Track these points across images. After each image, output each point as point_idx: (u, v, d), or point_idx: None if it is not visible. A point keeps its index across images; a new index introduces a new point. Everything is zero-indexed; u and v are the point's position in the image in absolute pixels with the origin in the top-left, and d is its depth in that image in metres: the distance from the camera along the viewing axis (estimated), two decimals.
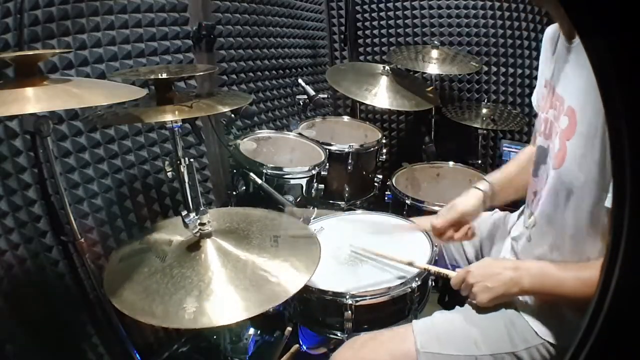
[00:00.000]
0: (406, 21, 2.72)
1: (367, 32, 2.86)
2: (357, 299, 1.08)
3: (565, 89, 0.90)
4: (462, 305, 1.09)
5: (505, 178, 1.25)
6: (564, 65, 0.91)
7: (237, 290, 0.88)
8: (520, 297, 1.00)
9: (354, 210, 1.63)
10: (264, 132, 1.92)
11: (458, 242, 1.29)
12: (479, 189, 1.22)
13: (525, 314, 0.98)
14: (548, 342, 0.93)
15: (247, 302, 0.85)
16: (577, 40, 0.84)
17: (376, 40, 2.85)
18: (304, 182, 1.66)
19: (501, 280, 0.96)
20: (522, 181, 1.18)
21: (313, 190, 1.70)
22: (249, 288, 0.88)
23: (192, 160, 1.32)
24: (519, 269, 0.96)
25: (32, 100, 0.82)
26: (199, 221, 0.98)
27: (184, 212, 0.98)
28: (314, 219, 1.45)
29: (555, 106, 0.95)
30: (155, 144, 1.67)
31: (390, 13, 2.75)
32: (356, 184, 1.93)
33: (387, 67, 2.22)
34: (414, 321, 1.04)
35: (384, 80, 2.18)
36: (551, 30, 1.05)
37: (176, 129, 1.28)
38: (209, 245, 0.99)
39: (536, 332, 0.94)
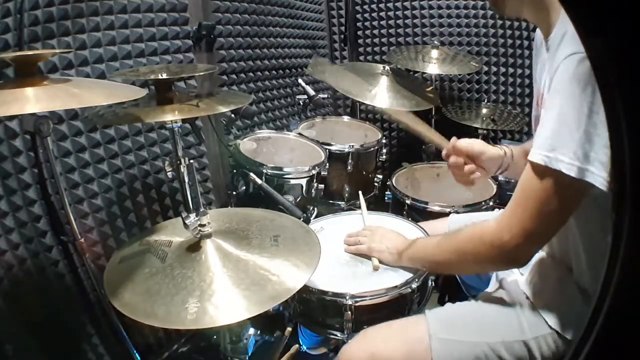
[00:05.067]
0: (406, 21, 2.72)
1: (367, 32, 2.86)
2: (357, 299, 1.08)
3: (543, 85, 0.90)
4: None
5: (524, 151, 1.22)
6: (544, 63, 0.92)
7: (238, 289, 0.88)
8: (531, 287, 1.01)
9: (354, 210, 1.63)
10: (264, 132, 1.92)
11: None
12: (502, 148, 1.22)
13: (536, 304, 0.99)
14: (557, 332, 0.93)
15: (249, 302, 0.85)
16: (551, 37, 0.85)
17: (376, 40, 2.85)
18: (304, 182, 1.66)
19: (385, 244, 1.18)
20: None
21: (313, 190, 1.70)
22: (250, 287, 0.88)
23: (192, 160, 1.32)
24: (401, 252, 1.15)
25: (32, 100, 0.82)
26: (199, 222, 0.98)
27: (184, 214, 0.98)
28: (314, 219, 1.45)
29: (540, 104, 0.95)
30: (155, 144, 1.67)
31: (390, 13, 2.75)
32: (356, 184, 1.93)
33: (387, 67, 2.21)
34: (426, 310, 1.05)
35: (384, 80, 2.18)
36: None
37: (176, 129, 1.28)
38: (209, 246, 0.99)
39: (546, 322, 0.95)
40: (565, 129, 0.73)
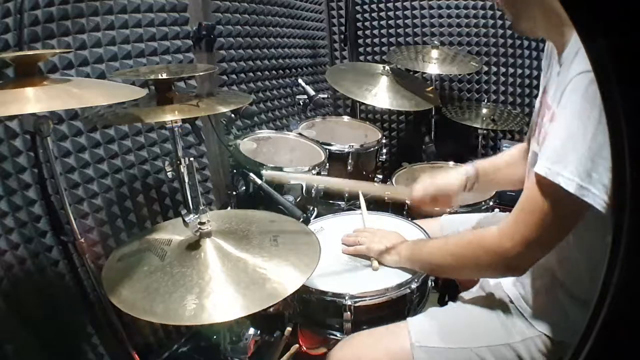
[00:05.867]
0: (406, 21, 2.73)
1: (367, 32, 2.86)
2: (357, 299, 1.08)
3: (553, 98, 0.90)
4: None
5: (491, 167, 1.27)
6: (555, 76, 0.91)
7: (237, 288, 0.88)
8: (517, 291, 1.01)
9: (354, 210, 1.63)
10: (264, 132, 1.92)
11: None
12: (463, 172, 1.26)
13: (521, 307, 0.98)
14: (545, 334, 0.93)
15: (247, 300, 0.85)
16: (564, 53, 0.85)
17: (376, 40, 2.86)
18: (304, 182, 1.66)
19: (384, 244, 1.18)
20: (507, 175, 1.22)
21: (313, 190, 1.70)
22: (249, 286, 0.88)
23: (192, 159, 1.32)
24: (400, 253, 1.15)
25: (32, 100, 0.82)
26: (198, 220, 0.98)
27: (184, 211, 0.98)
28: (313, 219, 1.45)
29: (546, 114, 0.95)
30: (155, 144, 1.67)
31: (390, 13, 2.75)
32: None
33: (387, 67, 2.22)
34: (408, 317, 1.05)
35: (384, 80, 2.18)
36: None
37: (176, 129, 1.28)
38: (208, 245, 0.99)
39: (532, 325, 0.95)
40: (569, 144, 0.74)
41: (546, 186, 0.78)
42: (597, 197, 0.72)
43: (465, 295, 1.12)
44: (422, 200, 1.27)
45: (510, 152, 1.28)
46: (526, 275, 1.01)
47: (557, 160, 0.75)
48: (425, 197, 1.26)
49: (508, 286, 1.03)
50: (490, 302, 1.03)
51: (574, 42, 0.81)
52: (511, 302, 1.00)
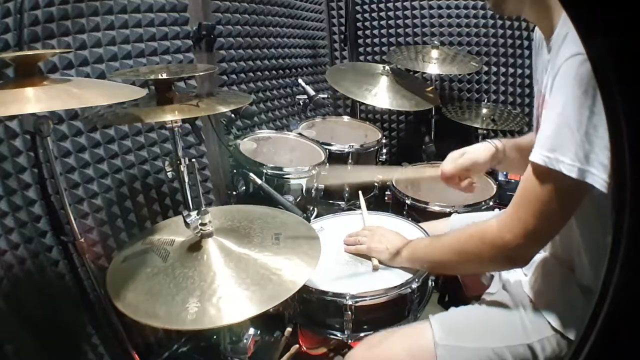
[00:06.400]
0: (406, 21, 2.73)
1: (367, 32, 2.86)
2: (357, 299, 1.08)
3: (545, 86, 0.90)
4: (463, 304, 1.10)
5: (516, 145, 1.25)
6: (546, 63, 0.91)
7: (239, 289, 0.88)
8: (534, 289, 1.01)
9: (354, 210, 1.63)
10: (264, 132, 1.92)
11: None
12: (491, 143, 1.24)
13: (539, 305, 0.98)
14: (561, 334, 0.93)
15: (250, 301, 0.85)
16: (552, 37, 0.84)
17: (376, 40, 2.86)
18: (304, 182, 1.66)
19: (385, 244, 1.19)
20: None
21: (313, 190, 1.70)
22: (251, 287, 0.88)
23: (193, 160, 1.32)
24: (400, 252, 1.16)
25: (32, 100, 0.82)
26: (200, 221, 0.98)
27: (185, 212, 0.98)
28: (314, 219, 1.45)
29: (540, 103, 0.95)
30: (155, 144, 1.67)
31: (390, 13, 2.75)
32: (356, 184, 1.93)
33: (387, 67, 2.22)
34: (430, 316, 1.05)
35: (384, 80, 2.18)
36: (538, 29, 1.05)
37: (176, 129, 1.28)
38: (210, 245, 0.99)
39: (550, 324, 0.94)
40: (566, 129, 0.73)
41: (545, 174, 0.78)
42: (597, 176, 0.71)
43: (487, 296, 1.11)
44: (452, 176, 1.25)
45: (531, 135, 1.24)
46: (543, 272, 1.02)
47: (554, 148, 0.75)
48: (455, 170, 1.24)
49: (526, 284, 1.03)
50: (510, 301, 1.03)
51: (562, 26, 0.81)
52: (531, 301, 1.00)
